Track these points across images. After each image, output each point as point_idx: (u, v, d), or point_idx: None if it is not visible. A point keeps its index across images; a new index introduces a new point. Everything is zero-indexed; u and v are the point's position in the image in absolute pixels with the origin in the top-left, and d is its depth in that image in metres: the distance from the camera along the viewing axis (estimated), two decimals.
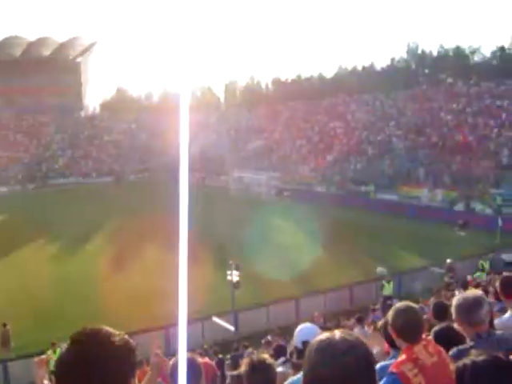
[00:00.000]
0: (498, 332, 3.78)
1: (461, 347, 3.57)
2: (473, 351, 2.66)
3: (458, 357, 3.09)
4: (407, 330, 3.40)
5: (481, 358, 2.45)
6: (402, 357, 3.29)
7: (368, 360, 1.83)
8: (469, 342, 3.66)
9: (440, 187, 43.28)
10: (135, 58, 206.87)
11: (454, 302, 3.80)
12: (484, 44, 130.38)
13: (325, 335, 1.88)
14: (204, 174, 65.07)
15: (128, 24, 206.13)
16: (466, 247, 28.74)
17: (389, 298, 19.97)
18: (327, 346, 1.82)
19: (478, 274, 21.18)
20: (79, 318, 18.39)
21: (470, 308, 3.61)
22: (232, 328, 19.81)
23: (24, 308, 21.94)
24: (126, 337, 1.88)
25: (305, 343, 4.39)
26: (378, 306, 18.28)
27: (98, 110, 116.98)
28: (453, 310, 3.83)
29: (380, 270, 23.96)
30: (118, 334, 1.86)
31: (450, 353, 3.47)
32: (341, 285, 23.47)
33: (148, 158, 79.04)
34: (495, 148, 44.78)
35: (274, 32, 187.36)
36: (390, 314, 3.58)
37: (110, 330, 1.86)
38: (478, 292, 3.96)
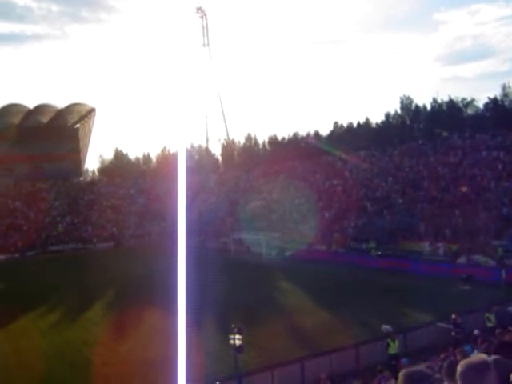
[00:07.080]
0: None
1: None
2: None
3: None
4: None
5: None
6: None
7: None
8: None
9: (441, 241, 43.11)
10: (133, 120, 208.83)
11: (458, 368, 3.56)
12: (476, 96, 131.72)
13: None
14: (203, 236, 64.82)
15: (125, 88, 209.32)
16: (471, 301, 28.36)
17: (395, 356, 19.54)
18: None
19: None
20: None
21: (474, 376, 3.37)
22: None
23: (24, 380, 21.42)
24: None
25: None
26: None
27: (96, 174, 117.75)
28: (457, 377, 3.59)
29: (385, 327, 23.54)
30: None
31: None
32: (346, 344, 22.97)
33: (147, 223, 78.89)
34: (494, 199, 44.82)
35: (271, 90, 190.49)
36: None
37: None
38: (484, 356, 3.68)
